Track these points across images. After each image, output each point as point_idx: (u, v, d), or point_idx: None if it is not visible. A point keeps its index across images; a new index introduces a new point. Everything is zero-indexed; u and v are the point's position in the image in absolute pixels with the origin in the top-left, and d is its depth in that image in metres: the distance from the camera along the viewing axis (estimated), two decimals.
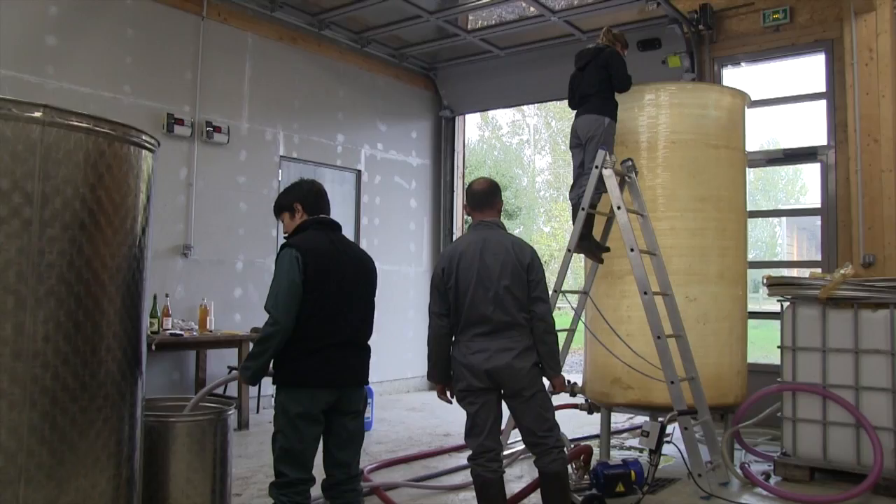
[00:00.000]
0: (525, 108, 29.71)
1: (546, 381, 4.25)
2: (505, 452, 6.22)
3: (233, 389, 7.69)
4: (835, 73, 8.04)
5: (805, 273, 6.73)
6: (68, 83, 7.07)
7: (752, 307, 7.58)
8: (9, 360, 2.53)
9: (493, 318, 4.07)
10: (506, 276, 4.09)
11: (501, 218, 4.43)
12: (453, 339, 4.23)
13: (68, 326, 2.68)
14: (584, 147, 6.25)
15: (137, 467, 3.12)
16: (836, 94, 8.03)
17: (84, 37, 7.26)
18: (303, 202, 3.89)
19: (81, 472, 2.74)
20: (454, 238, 11.25)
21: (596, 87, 6.24)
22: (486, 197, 4.34)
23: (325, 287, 3.63)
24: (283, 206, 3.94)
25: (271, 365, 3.69)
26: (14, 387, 2.54)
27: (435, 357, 4.28)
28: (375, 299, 3.99)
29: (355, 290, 3.80)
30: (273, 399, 3.73)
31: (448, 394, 4.31)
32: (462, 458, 6.54)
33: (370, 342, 3.93)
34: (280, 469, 3.61)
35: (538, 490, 4.44)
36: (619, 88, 6.27)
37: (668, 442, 5.49)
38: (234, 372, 4.45)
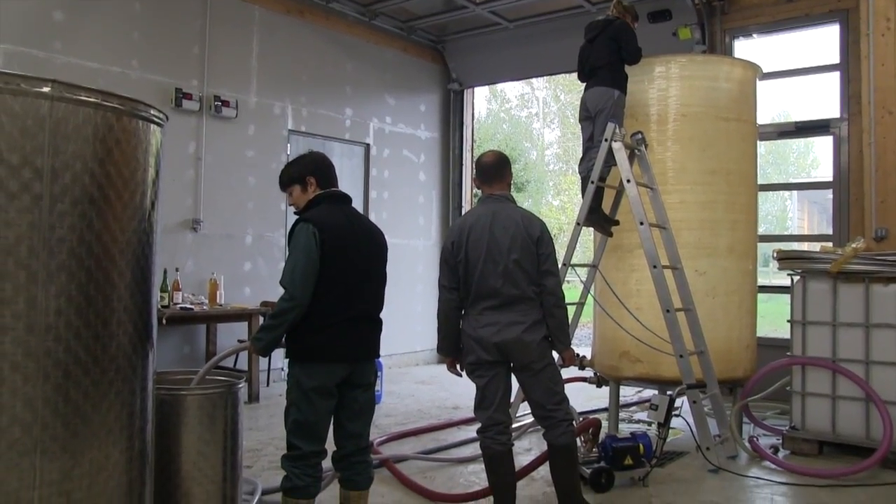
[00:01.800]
0: (534, 81, 29.49)
1: (556, 355, 4.26)
2: (514, 425, 6.26)
3: (243, 363, 7.75)
4: (849, 43, 7.93)
5: (816, 247, 6.70)
6: (76, 58, 7.05)
7: (761, 281, 7.55)
8: (22, 334, 2.55)
9: (502, 291, 4.07)
10: (515, 250, 4.08)
11: (511, 191, 4.41)
12: (463, 312, 4.24)
13: (80, 300, 2.69)
14: (593, 120, 6.21)
15: (149, 440, 3.15)
16: (850, 66, 7.93)
17: (91, 11, 7.23)
18: (316, 175, 3.81)
19: (95, 444, 2.77)
20: (463, 211, 11.22)
21: (605, 59, 6.19)
22: (495, 170, 4.31)
23: (341, 263, 3.62)
24: (293, 178, 3.84)
25: (283, 338, 3.70)
26: (28, 360, 2.56)
27: (444, 330, 4.29)
28: (386, 273, 3.99)
29: (369, 265, 3.79)
30: (283, 372, 3.75)
31: (458, 367, 4.32)
32: (471, 431, 6.57)
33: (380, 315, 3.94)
34: (293, 442, 3.64)
35: (547, 463, 4.47)
36: (629, 61, 6.22)
37: (676, 415, 5.50)
38: (242, 342, 4.47)
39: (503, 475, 4.19)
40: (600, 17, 6.49)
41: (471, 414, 7.12)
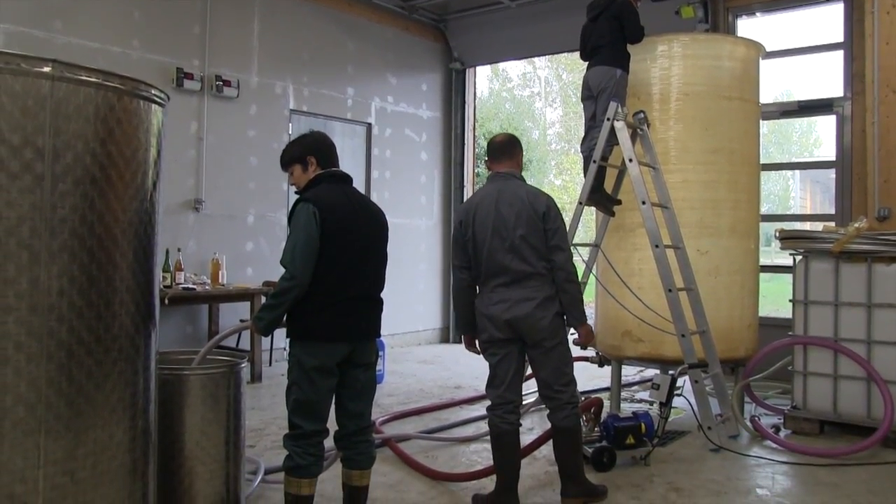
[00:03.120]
0: (536, 60, 29.34)
1: (570, 334, 4.29)
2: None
3: (245, 342, 7.77)
4: (853, 22, 7.87)
5: (818, 226, 6.69)
6: (77, 38, 7.02)
7: (764, 261, 7.56)
8: (25, 314, 2.56)
9: (511, 267, 4.08)
10: (521, 226, 4.08)
11: (520, 171, 4.41)
12: (477, 291, 4.28)
13: (82, 280, 2.70)
14: (595, 99, 6.19)
15: (153, 419, 3.17)
16: (853, 45, 7.87)
17: None
18: (317, 155, 3.81)
19: (98, 423, 2.78)
20: (465, 191, 11.23)
21: (607, 38, 6.15)
22: (502, 148, 4.34)
23: (341, 242, 3.62)
24: (294, 158, 3.84)
25: (284, 317, 3.71)
26: (31, 340, 2.57)
27: (460, 309, 4.40)
28: (387, 252, 3.99)
29: (369, 244, 3.79)
30: (285, 352, 3.76)
31: (476, 345, 4.36)
32: (473, 411, 6.61)
33: (382, 295, 3.95)
34: (295, 421, 3.65)
35: (549, 442, 4.48)
36: (632, 40, 6.18)
37: (678, 395, 5.52)
38: (243, 322, 4.48)
39: (508, 454, 4.21)
40: None
41: (473, 393, 7.21)
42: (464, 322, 4.39)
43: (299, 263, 3.53)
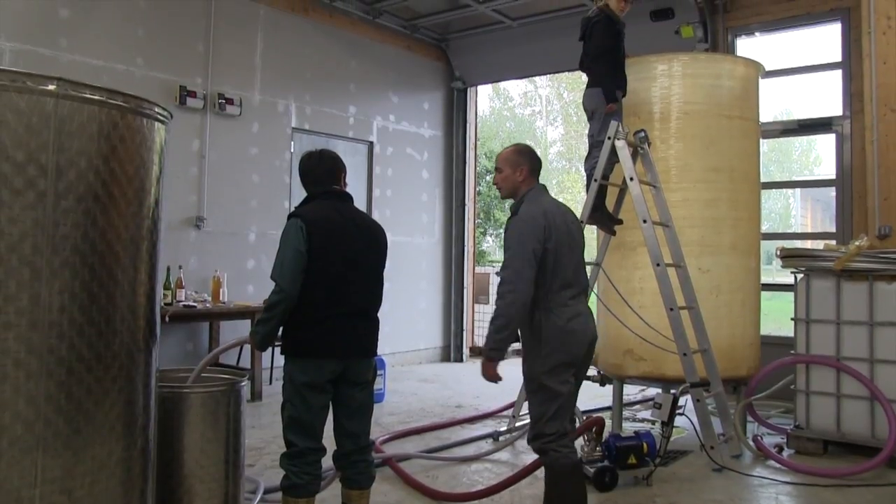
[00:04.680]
0: (537, 79, 29.50)
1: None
2: (517, 424, 6.26)
3: (246, 360, 7.75)
4: (851, 42, 7.92)
5: (819, 245, 6.69)
6: (81, 56, 7.06)
7: (765, 279, 7.55)
8: (25, 331, 2.56)
9: (580, 281, 3.95)
10: (581, 239, 4.04)
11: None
12: (546, 303, 3.81)
13: (83, 297, 2.70)
14: (590, 120, 6.24)
15: (152, 437, 3.15)
16: (851, 64, 7.92)
17: (97, 9, 7.24)
18: (304, 180, 3.94)
19: (97, 441, 2.77)
20: (466, 209, 11.25)
21: (591, 59, 6.18)
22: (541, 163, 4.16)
23: (330, 256, 3.64)
24: (300, 177, 4.00)
25: (280, 332, 3.72)
26: (31, 357, 2.57)
27: (512, 329, 3.80)
28: (387, 270, 3.98)
29: (363, 260, 3.79)
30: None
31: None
32: (475, 430, 6.59)
33: (380, 313, 3.93)
34: (289, 438, 3.66)
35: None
36: (590, 57, 6.15)
37: (680, 414, 5.50)
38: (238, 337, 4.48)
39: (582, 487, 3.86)
40: (591, 11, 6.42)
41: (474, 412, 7.18)
42: (507, 344, 3.82)
43: (287, 276, 3.57)
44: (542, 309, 3.79)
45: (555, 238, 3.78)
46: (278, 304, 3.58)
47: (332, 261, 3.65)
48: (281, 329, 3.70)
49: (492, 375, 3.82)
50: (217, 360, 5.32)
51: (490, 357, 3.80)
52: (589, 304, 4.05)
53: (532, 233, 3.75)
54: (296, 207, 3.89)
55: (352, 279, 3.72)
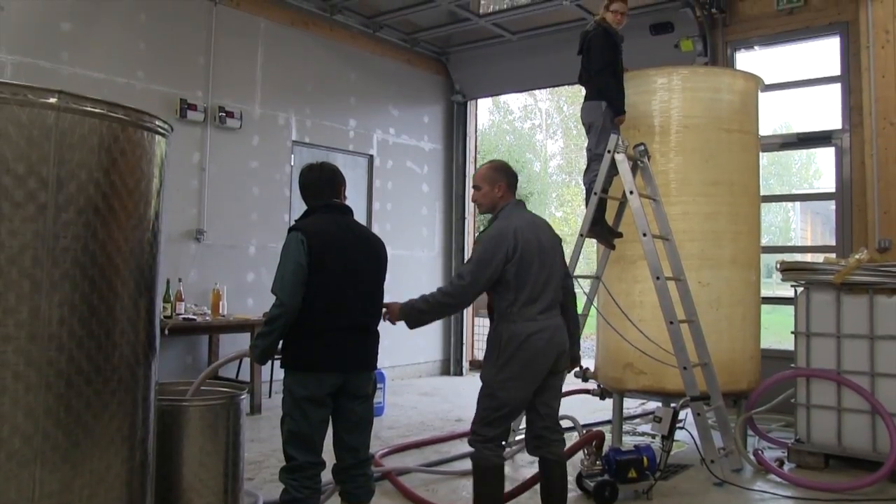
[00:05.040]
0: (537, 92, 29.55)
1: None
2: (516, 438, 6.24)
3: (245, 374, 7.74)
4: (850, 55, 7.95)
5: (819, 258, 6.69)
6: (82, 69, 7.09)
7: (765, 292, 7.54)
8: (25, 343, 2.55)
9: (549, 294, 4.03)
10: (558, 254, 4.14)
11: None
12: (508, 316, 3.97)
13: (83, 310, 2.70)
14: (588, 133, 6.25)
15: (151, 450, 3.14)
16: (850, 78, 7.94)
17: (98, 22, 7.28)
18: (304, 194, 3.95)
19: (96, 454, 2.76)
20: (466, 223, 11.26)
21: (589, 72, 6.21)
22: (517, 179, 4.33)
23: (330, 270, 3.64)
24: (300, 190, 4.01)
25: (280, 346, 3.71)
26: (30, 370, 2.56)
27: (433, 317, 4.18)
28: (387, 283, 3.98)
29: (363, 274, 3.80)
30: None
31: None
32: None
33: (380, 327, 3.94)
34: (289, 452, 3.65)
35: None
36: (592, 71, 6.17)
37: (680, 428, 5.48)
38: (238, 350, 4.47)
39: (501, 489, 4.12)
40: (589, 25, 6.45)
41: None
42: (423, 321, 4.12)
43: (288, 290, 3.56)
44: (506, 321, 3.96)
45: (521, 255, 3.94)
46: (279, 317, 3.57)
47: (333, 274, 3.65)
48: (281, 342, 3.69)
49: (392, 319, 4.04)
50: (216, 374, 5.31)
51: (407, 316, 4.04)
52: (576, 314, 4.26)
53: (496, 248, 3.93)
54: (296, 221, 3.89)
55: (352, 293, 3.72)
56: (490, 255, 3.93)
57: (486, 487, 4.06)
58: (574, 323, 4.26)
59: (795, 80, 8.88)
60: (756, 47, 8.78)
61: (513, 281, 3.93)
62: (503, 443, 4.16)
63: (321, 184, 3.91)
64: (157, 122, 3.07)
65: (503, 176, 4.18)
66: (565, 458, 4.23)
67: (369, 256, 3.87)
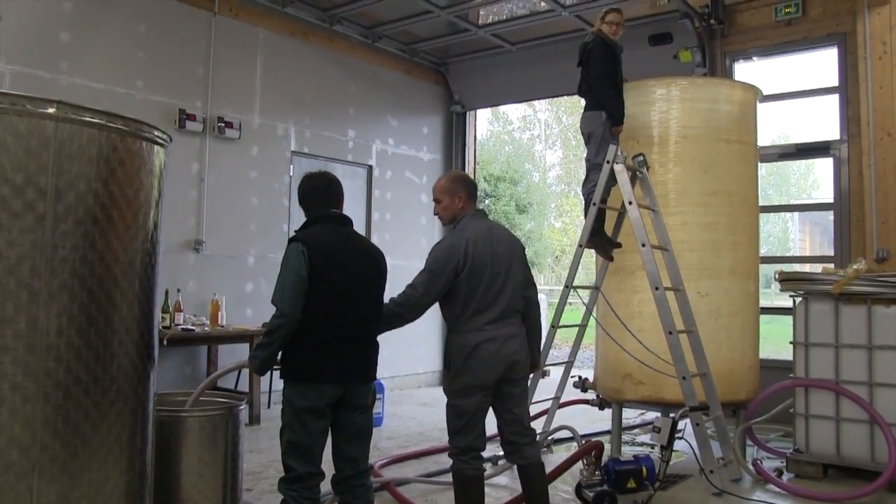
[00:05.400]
0: (536, 103, 29.62)
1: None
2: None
3: (244, 384, 7.72)
4: (847, 66, 7.97)
5: (818, 268, 6.70)
6: (81, 79, 7.10)
7: (764, 302, 7.55)
8: (23, 354, 2.55)
9: (500, 304, 4.08)
10: (515, 263, 4.18)
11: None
12: (457, 326, 4.08)
13: (81, 320, 2.69)
14: (587, 143, 6.27)
15: (149, 461, 3.14)
16: (848, 88, 7.96)
17: (97, 33, 7.29)
18: (303, 203, 3.95)
19: (94, 465, 2.76)
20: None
21: (588, 83, 6.23)
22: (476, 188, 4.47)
23: (330, 281, 3.64)
24: (299, 200, 4.02)
25: (279, 356, 3.70)
26: (28, 380, 2.56)
27: (386, 328, 4.06)
28: (386, 294, 3.98)
29: (363, 285, 3.80)
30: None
31: None
32: None
33: (379, 337, 3.93)
34: (288, 463, 3.63)
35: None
36: (593, 82, 6.21)
37: (679, 438, 5.47)
38: (237, 361, 4.46)
39: (480, 501, 4.15)
40: (588, 36, 6.48)
41: None
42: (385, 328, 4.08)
43: (288, 301, 3.56)
44: (454, 332, 4.08)
45: (471, 267, 4.02)
46: (279, 328, 3.57)
47: (333, 285, 3.65)
48: (280, 353, 3.68)
49: None
50: (215, 384, 5.30)
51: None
52: (538, 321, 4.32)
53: (447, 261, 4.05)
54: (296, 231, 3.89)
55: (352, 303, 3.72)
56: (440, 268, 4.05)
57: (463, 498, 4.11)
58: (535, 330, 4.32)
59: (794, 90, 8.91)
60: (755, 58, 8.81)
61: (461, 292, 4.03)
62: (481, 454, 4.16)
63: (320, 193, 3.91)
64: (155, 133, 3.07)
65: (462, 186, 4.31)
66: (538, 458, 4.28)
67: (369, 267, 3.87)
